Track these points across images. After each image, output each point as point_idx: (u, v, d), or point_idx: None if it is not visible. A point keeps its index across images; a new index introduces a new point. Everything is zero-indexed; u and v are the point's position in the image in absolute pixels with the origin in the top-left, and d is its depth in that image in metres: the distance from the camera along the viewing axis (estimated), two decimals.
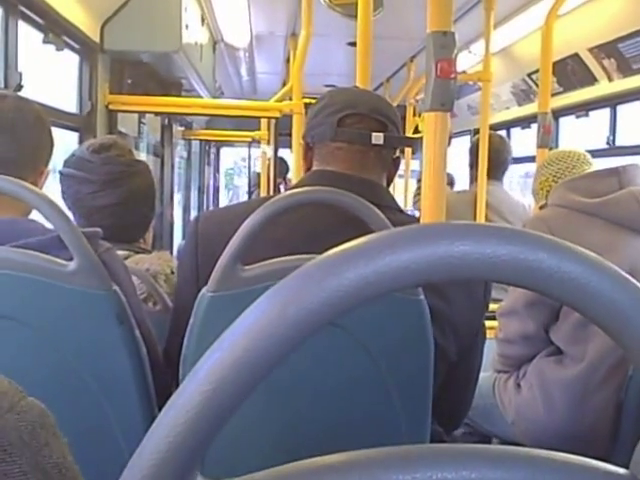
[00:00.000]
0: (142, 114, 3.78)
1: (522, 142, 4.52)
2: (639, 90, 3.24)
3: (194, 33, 3.51)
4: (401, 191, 5.34)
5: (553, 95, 3.62)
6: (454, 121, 5.64)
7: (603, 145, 3.66)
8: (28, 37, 2.31)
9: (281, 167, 5.41)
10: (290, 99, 3.14)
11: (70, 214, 1.61)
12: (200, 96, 4.26)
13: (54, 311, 1.00)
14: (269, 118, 3.94)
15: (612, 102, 3.61)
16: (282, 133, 3.64)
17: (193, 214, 6.15)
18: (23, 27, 2.25)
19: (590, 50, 3.46)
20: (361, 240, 0.30)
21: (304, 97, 3.09)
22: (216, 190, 8.50)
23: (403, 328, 0.98)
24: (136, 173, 1.65)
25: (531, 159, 2.96)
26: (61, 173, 1.62)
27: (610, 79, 3.46)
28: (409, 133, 4.30)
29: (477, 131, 3.39)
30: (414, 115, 4.73)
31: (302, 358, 0.92)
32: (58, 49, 2.47)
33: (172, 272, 1.59)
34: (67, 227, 1.00)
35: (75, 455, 0.46)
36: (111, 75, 3.06)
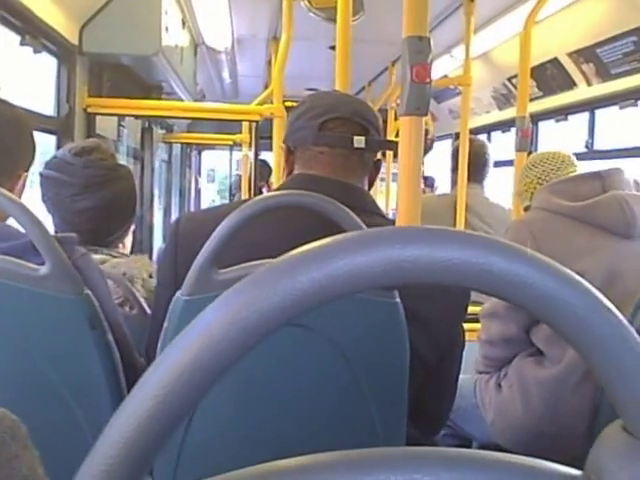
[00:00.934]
0: (122, 117, 3.76)
1: (503, 146, 4.55)
2: (617, 95, 3.28)
3: (174, 36, 3.49)
4: (383, 194, 5.36)
5: (533, 99, 3.66)
6: (436, 125, 5.68)
7: (582, 149, 3.70)
8: (5, 39, 2.28)
9: (264, 170, 5.40)
10: (272, 102, 3.13)
11: (49, 217, 1.60)
12: (181, 99, 4.25)
13: (25, 316, 0.99)
14: (250, 121, 3.93)
15: (591, 106, 3.65)
16: (263, 136, 3.63)
17: (174, 218, 6.11)
18: (0, 29, 2.23)
19: (569, 55, 3.50)
20: (316, 244, 0.30)
21: (285, 100, 3.09)
22: (198, 193, 8.48)
23: (378, 331, 0.97)
24: (118, 178, 1.62)
25: (511, 163, 2.98)
26: (41, 175, 1.59)
27: (589, 83, 3.50)
28: (391, 136, 4.32)
29: (459, 135, 3.41)
30: (395, 119, 4.75)
31: (276, 361, 0.92)
32: (36, 52, 2.44)
33: (150, 276, 1.58)
34: (38, 231, 0.99)
35: (46, 462, 0.45)
36: (90, 78, 3.03)
